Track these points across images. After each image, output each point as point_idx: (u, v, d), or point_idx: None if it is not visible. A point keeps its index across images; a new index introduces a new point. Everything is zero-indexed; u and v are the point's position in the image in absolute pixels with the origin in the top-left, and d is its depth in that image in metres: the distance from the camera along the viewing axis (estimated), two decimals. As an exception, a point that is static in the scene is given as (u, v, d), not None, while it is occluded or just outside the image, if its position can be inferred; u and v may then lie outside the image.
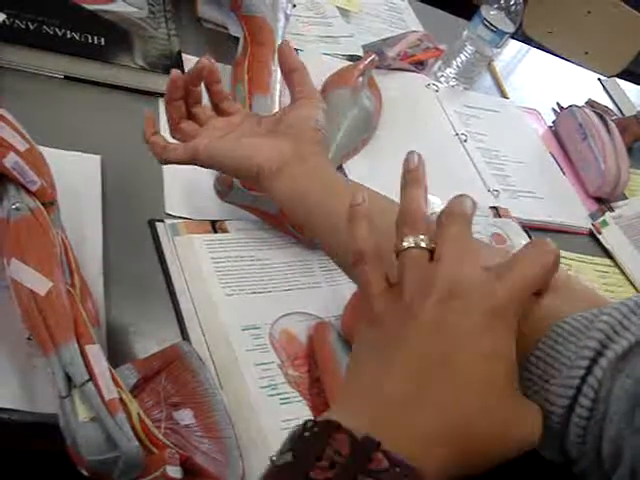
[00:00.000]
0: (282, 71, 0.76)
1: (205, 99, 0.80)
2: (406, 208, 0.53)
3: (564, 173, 1.44)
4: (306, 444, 0.44)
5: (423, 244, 0.50)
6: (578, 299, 0.52)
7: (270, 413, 0.76)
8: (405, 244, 0.50)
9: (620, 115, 1.74)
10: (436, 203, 1.12)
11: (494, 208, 1.21)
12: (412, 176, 0.54)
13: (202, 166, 0.75)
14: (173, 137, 0.78)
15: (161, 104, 1.02)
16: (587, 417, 0.46)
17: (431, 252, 0.50)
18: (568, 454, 0.48)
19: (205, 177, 0.93)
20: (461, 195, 0.53)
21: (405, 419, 0.45)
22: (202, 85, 0.79)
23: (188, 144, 0.74)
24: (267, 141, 0.71)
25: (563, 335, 0.48)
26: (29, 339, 0.67)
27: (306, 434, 0.44)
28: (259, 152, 0.70)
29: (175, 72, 0.76)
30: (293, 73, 0.75)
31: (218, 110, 0.79)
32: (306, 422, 0.45)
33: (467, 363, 0.45)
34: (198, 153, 0.73)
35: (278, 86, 1.03)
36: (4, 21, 0.92)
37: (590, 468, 0.47)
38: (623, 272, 1.27)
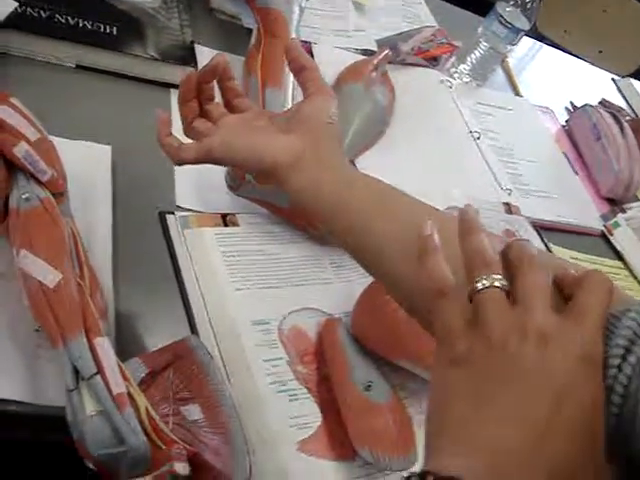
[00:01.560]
0: (292, 70, 0.75)
1: (217, 96, 0.79)
2: (473, 250, 0.52)
3: (576, 173, 1.43)
4: None
5: (498, 284, 0.49)
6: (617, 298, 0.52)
7: (278, 409, 0.76)
8: (480, 285, 0.49)
9: (633, 115, 1.72)
10: (456, 195, 1.12)
11: (506, 204, 1.20)
12: (469, 224, 0.53)
13: (217, 164, 0.74)
14: (187, 136, 0.78)
15: (173, 95, 1.01)
16: (617, 414, 0.46)
17: (507, 293, 0.49)
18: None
19: (216, 170, 0.92)
20: (522, 240, 0.53)
21: (522, 470, 0.43)
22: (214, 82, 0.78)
23: (202, 143, 0.73)
24: (281, 136, 0.71)
25: None
26: (37, 330, 0.66)
27: None
28: (273, 147, 0.69)
29: (189, 72, 0.75)
30: (303, 71, 0.74)
31: (230, 107, 0.78)
32: (424, 474, 0.42)
33: (572, 417, 0.45)
34: (212, 151, 0.72)
35: (291, 79, 1.02)
36: (16, 9, 0.91)
37: (619, 467, 0.47)
38: (634, 275, 1.26)
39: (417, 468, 0.43)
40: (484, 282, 0.49)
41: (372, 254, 0.64)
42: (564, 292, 0.50)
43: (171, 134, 0.76)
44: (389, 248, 0.62)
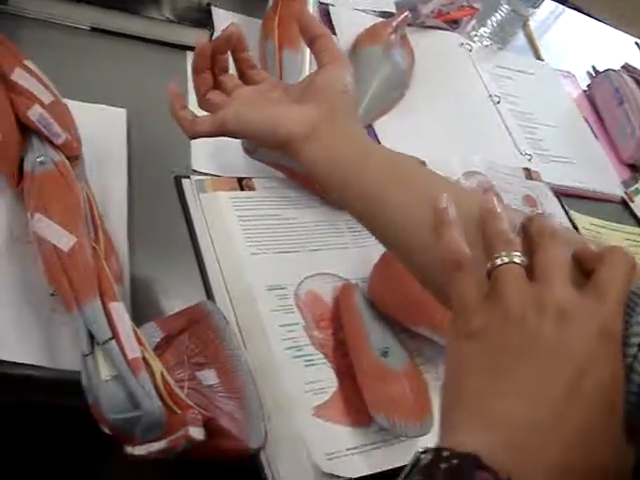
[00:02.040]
0: (305, 39, 0.74)
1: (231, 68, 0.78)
2: (494, 231, 0.52)
3: (597, 138, 1.41)
4: (443, 477, 0.41)
5: (517, 260, 0.49)
6: None
7: (294, 375, 0.75)
8: (499, 261, 0.49)
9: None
10: (475, 160, 1.10)
11: (526, 170, 1.19)
12: (492, 210, 0.53)
13: (231, 136, 0.73)
14: (200, 108, 0.77)
15: (189, 58, 1.00)
16: (638, 392, 0.46)
17: (526, 270, 0.49)
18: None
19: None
20: (542, 215, 0.53)
21: (540, 445, 0.43)
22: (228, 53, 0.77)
23: (216, 115, 0.72)
24: (295, 107, 0.70)
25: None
26: (52, 295, 0.66)
27: (442, 465, 0.41)
28: (288, 118, 0.68)
29: (201, 42, 0.74)
30: (316, 40, 0.73)
31: (245, 78, 0.77)
32: (439, 451, 0.42)
33: (590, 393, 0.44)
34: (226, 124, 0.71)
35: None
36: (31, -29, 0.90)
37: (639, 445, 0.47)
38: (655, 241, 1.25)
39: (433, 435, 0.43)
40: (503, 258, 0.49)
41: (386, 225, 0.63)
42: (584, 267, 0.49)
43: (185, 107, 0.75)
44: (404, 219, 0.61)
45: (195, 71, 0.75)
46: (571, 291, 0.47)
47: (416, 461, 0.42)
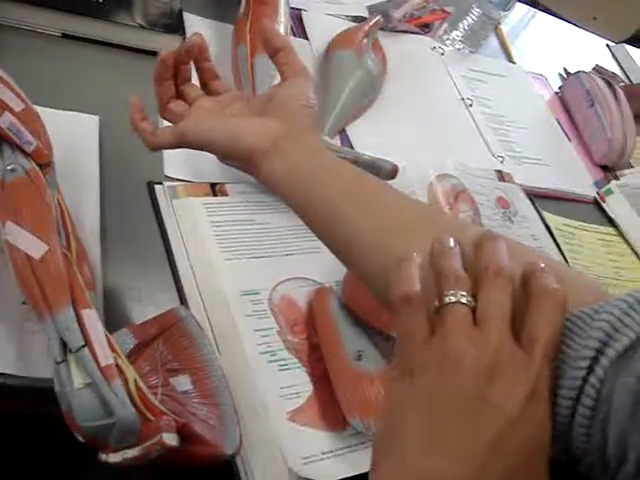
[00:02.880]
0: (267, 52, 0.74)
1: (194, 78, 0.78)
2: (443, 265, 0.51)
3: (570, 140, 1.42)
4: None
5: (464, 300, 0.48)
6: (581, 291, 0.52)
7: (269, 379, 0.75)
8: (446, 300, 0.49)
9: (628, 82, 1.71)
10: (447, 164, 1.11)
11: (499, 172, 1.20)
12: (441, 246, 0.52)
13: (192, 147, 0.72)
14: (162, 117, 0.77)
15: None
16: (590, 416, 0.45)
17: (473, 310, 0.49)
18: (572, 453, 0.48)
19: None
20: (497, 239, 0.52)
21: None
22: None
23: (176, 127, 0.72)
24: (257, 120, 0.69)
25: (565, 334, 0.48)
26: (24, 303, 0.66)
27: None
28: (249, 131, 0.68)
29: (165, 52, 0.73)
30: (279, 53, 0.73)
31: (207, 88, 0.77)
32: None
33: (514, 453, 0.44)
34: (186, 135, 0.71)
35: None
36: (0, -24, 0.90)
37: (595, 467, 0.47)
38: (627, 241, 1.26)
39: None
40: (450, 298, 0.48)
41: (344, 245, 0.63)
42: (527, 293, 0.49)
43: (146, 119, 0.75)
44: (362, 241, 0.61)
45: (157, 80, 0.75)
46: (506, 343, 0.46)
47: None
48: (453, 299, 0.48)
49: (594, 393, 0.45)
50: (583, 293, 0.52)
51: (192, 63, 0.76)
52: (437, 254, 0.52)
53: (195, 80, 0.77)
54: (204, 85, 0.77)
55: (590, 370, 0.46)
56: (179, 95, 0.76)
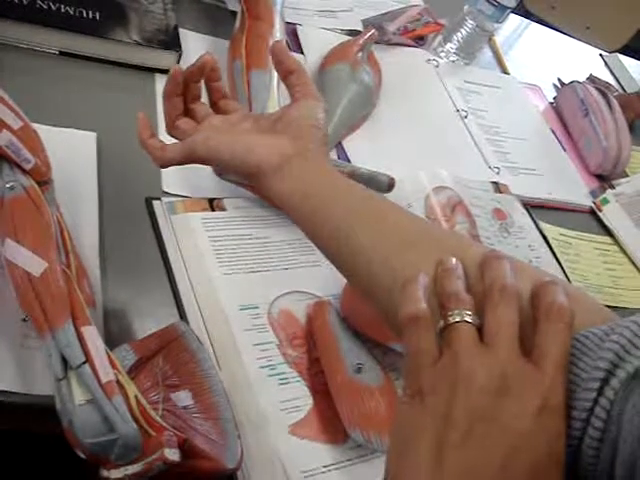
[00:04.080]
0: (278, 73, 0.75)
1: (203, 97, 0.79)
2: (447, 285, 0.51)
3: (565, 150, 1.43)
4: None
5: (469, 319, 0.49)
6: (588, 311, 0.52)
7: (269, 394, 0.76)
8: (451, 319, 0.49)
9: (622, 91, 1.72)
10: (443, 176, 1.11)
11: (494, 183, 1.20)
12: (444, 268, 0.53)
13: (200, 163, 0.73)
14: (169, 134, 0.77)
15: (158, 80, 1.01)
16: (599, 438, 0.45)
17: (479, 329, 0.49)
18: (579, 477, 0.47)
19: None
20: (501, 258, 0.52)
21: None
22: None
23: (185, 142, 0.72)
24: (267, 137, 0.70)
25: (575, 354, 0.48)
26: (25, 320, 0.66)
27: None
28: (259, 148, 0.68)
29: (176, 68, 0.74)
30: (291, 75, 0.73)
31: (216, 108, 0.78)
32: None
33: (524, 472, 0.44)
34: (196, 150, 0.71)
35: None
36: (-3, -5, 0.90)
37: None
38: (624, 250, 1.26)
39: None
40: (455, 317, 0.49)
41: (352, 263, 0.62)
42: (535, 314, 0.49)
43: (154, 135, 0.75)
44: (371, 260, 0.60)
45: (166, 96, 0.75)
46: (515, 359, 0.47)
47: None
48: (458, 318, 0.49)
49: (604, 415, 0.45)
50: (590, 314, 0.52)
51: (202, 82, 0.76)
52: (441, 276, 0.52)
53: (204, 99, 0.78)
54: (213, 104, 0.78)
55: (600, 392, 0.45)
56: (188, 113, 0.76)
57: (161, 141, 0.75)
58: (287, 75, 0.73)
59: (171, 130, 0.77)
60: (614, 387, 0.45)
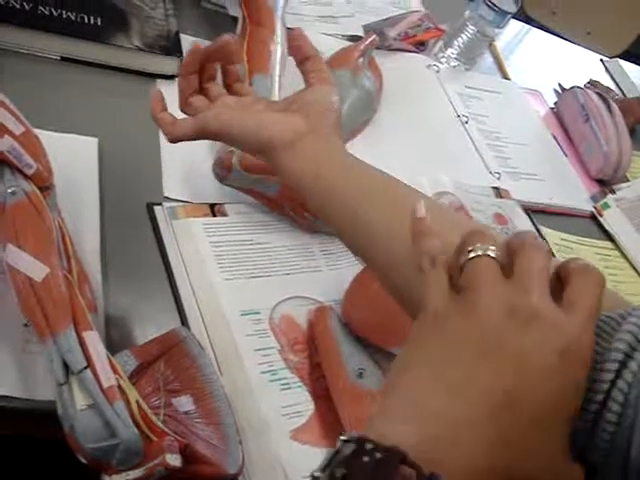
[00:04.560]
0: (295, 59, 0.76)
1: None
2: (471, 227, 0.51)
3: (566, 155, 1.43)
4: (364, 470, 0.39)
5: (492, 254, 0.47)
6: (605, 298, 0.50)
7: (270, 399, 0.75)
8: (473, 254, 0.48)
9: (622, 96, 1.72)
10: (444, 181, 1.12)
11: (495, 188, 1.20)
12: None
13: (212, 138, 0.73)
14: (182, 111, 0.77)
15: (158, 85, 1.00)
16: (616, 422, 0.44)
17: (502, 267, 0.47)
18: (590, 464, 0.46)
19: (204, 160, 0.92)
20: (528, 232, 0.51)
21: (461, 449, 0.42)
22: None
23: (197, 116, 0.72)
24: (281, 114, 0.70)
25: None
26: (26, 325, 0.66)
27: (365, 459, 0.39)
28: (272, 123, 0.68)
29: (196, 43, 0.75)
30: (307, 61, 0.74)
31: (230, 91, 0.78)
32: (363, 442, 0.40)
33: (531, 409, 0.43)
34: (208, 125, 0.71)
35: (278, 66, 1.02)
36: (-1, 1, 0.91)
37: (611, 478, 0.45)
38: (624, 255, 1.26)
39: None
40: (478, 251, 0.47)
41: (367, 239, 0.62)
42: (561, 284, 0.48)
43: (165, 110, 0.75)
44: (385, 233, 0.60)
45: (183, 73, 0.75)
46: (545, 299, 0.45)
47: (337, 451, 0.40)
48: (480, 252, 0.47)
49: (622, 398, 0.44)
50: (609, 298, 0.51)
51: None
52: (463, 222, 0.52)
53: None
54: (227, 87, 0.78)
55: (618, 374, 0.44)
56: (201, 92, 0.77)
57: (173, 116, 0.75)
58: (303, 61, 0.74)
59: (184, 107, 0.76)
60: (632, 370, 0.44)
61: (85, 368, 0.61)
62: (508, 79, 1.55)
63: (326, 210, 0.66)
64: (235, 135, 0.70)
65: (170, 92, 0.99)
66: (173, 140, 0.74)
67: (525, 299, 0.45)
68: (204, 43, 0.75)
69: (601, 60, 1.87)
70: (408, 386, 0.45)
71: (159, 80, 1.01)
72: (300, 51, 0.74)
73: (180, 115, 0.75)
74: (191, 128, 0.72)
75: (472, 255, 0.48)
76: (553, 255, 1.13)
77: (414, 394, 0.45)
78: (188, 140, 0.74)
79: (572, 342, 0.44)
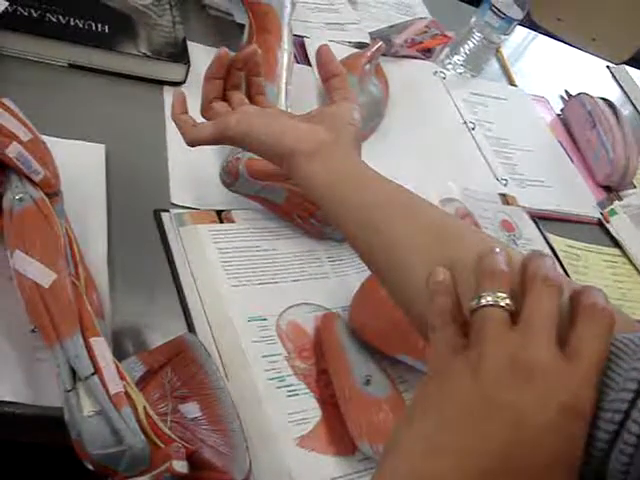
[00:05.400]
0: (321, 76, 0.77)
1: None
2: (487, 263, 0.49)
3: (572, 161, 1.43)
4: None
5: (502, 303, 0.47)
6: (622, 322, 0.49)
7: (277, 405, 0.75)
8: (483, 301, 0.47)
9: (628, 102, 1.72)
10: (451, 188, 1.12)
11: (502, 195, 1.20)
12: (490, 248, 0.51)
13: (231, 143, 0.73)
14: (203, 116, 0.78)
15: (166, 92, 1.01)
16: (635, 444, 0.42)
17: (511, 314, 0.47)
18: None
19: (211, 166, 0.93)
20: (545, 257, 0.49)
21: None
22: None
23: (218, 120, 0.73)
24: (305, 124, 0.70)
25: (611, 358, 0.45)
26: (33, 331, 0.66)
27: None
28: (293, 131, 0.69)
29: (224, 49, 0.76)
30: (333, 78, 0.76)
31: (252, 102, 0.79)
32: None
33: (532, 462, 0.43)
34: (229, 129, 0.71)
35: (284, 74, 1.02)
36: (7, 9, 0.91)
37: None
38: (632, 262, 1.26)
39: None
40: (488, 299, 0.47)
41: (383, 252, 0.61)
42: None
43: (186, 112, 0.76)
44: (401, 249, 0.59)
45: (207, 77, 0.76)
46: (550, 349, 0.44)
47: None
48: (491, 300, 0.47)
49: (634, 440, 0.42)
50: (627, 321, 0.51)
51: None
52: (484, 254, 0.50)
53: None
54: (250, 98, 0.79)
55: (638, 394, 0.43)
56: (224, 99, 0.78)
57: (193, 119, 0.75)
58: (330, 78, 0.76)
59: (206, 111, 0.77)
60: None
61: (92, 374, 0.61)
62: (514, 85, 1.55)
63: (342, 220, 0.65)
64: (256, 140, 0.70)
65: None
66: (192, 143, 0.75)
67: (528, 352, 0.44)
68: (213, 55, 0.76)
69: (607, 66, 1.87)
70: (404, 447, 0.46)
71: (166, 87, 1.02)
72: (327, 68, 0.76)
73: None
74: (211, 132, 0.73)
75: (482, 302, 0.47)
76: (566, 274, 1.13)
77: (408, 456, 0.45)
78: (207, 144, 0.75)
79: (574, 398, 0.43)
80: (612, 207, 1.33)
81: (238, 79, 0.78)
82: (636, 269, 1.25)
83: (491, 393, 0.44)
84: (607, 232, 1.31)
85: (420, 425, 0.46)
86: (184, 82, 1.03)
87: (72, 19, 0.97)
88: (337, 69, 0.76)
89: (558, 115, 1.54)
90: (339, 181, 0.65)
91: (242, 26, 1.11)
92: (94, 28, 0.98)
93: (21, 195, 0.69)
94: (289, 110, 0.98)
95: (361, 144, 0.73)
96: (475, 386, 0.45)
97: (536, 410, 0.43)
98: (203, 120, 0.77)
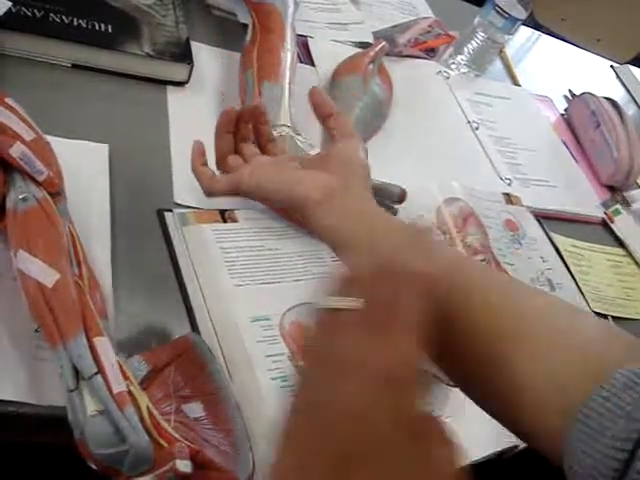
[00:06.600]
0: (317, 116, 0.80)
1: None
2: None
3: (576, 161, 1.42)
4: None
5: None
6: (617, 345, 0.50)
7: (281, 405, 0.75)
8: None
9: (633, 102, 1.72)
10: (455, 187, 1.12)
11: (506, 194, 1.20)
12: None
13: (246, 196, 0.76)
14: (218, 168, 0.81)
15: (169, 92, 1.01)
16: None
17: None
18: None
19: (214, 166, 0.92)
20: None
21: None
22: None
23: (233, 175, 0.77)
24: (312, 172, 0.72)
25: (617, 386, 0.45)
26: (36, 331, 0.66)
27: None
28: (305, 180, 0.70)
29: (229, 107, 0.79)
30: (329, 118, 0.79)
31: (264, 151, 0.83)
32: None
33: (380, 443, 0.41)
34: (243, 181, 0.75)
35: (288, 73, 1.02)
36: (10, 9, 0.91)
37: None
38: (636, 262, 1.26)
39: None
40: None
41: None
42: None
43: (205, 164, 0.80)
44: None
45: (218, 132, 0.80)
46: (359, 338, 0.45)
47: None
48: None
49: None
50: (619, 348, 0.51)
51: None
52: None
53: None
54: (260, 147, 0.83)
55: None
56: (237, 151, 0.81)
57: (212, 170, 0.79)
58: (325, 118, 0.79)
59: (220, 164, 0.81)
60: None
61: (96, 374, 0.61)
62: (518, 85, 1.55)
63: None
64: (269, 192, 0.74)
65: (180, 99, 1.00)
66: (209, 194, 0.79)
67: (334, 347, 0.46)
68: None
69: (611, 66, 1.87)
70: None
71: (170, 87, 1.02)
72: (321, 110, 0.79)
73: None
74: (226, 186, 0.77)
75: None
76: (570, 273, 1.12)
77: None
78: (223, 196, 0.79)
79: (394, 369, 0.43)
80: (616, 207, 1.33)
81: (247, 132, 0.81)
82: (640, 269, 1.25)
83: (315, 392, 0.46)
84: (611, 232, 1.31)
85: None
86: (187, 82, 1.03)
87: (75, 19, 0.97)
88: (330, 109, 0.79)
89: (562, 115, 1.54)
90: (347, 223, 0.67)
91: (246, 26, 1.11)
92: (97, 28, 0.98)
93: (24, 195, 0.69)
94: (292, 110, 0.98)
95: (369, 181, 0.74)
96: (306, 387, 0.47)
97: (354, 399, 0.43)
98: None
